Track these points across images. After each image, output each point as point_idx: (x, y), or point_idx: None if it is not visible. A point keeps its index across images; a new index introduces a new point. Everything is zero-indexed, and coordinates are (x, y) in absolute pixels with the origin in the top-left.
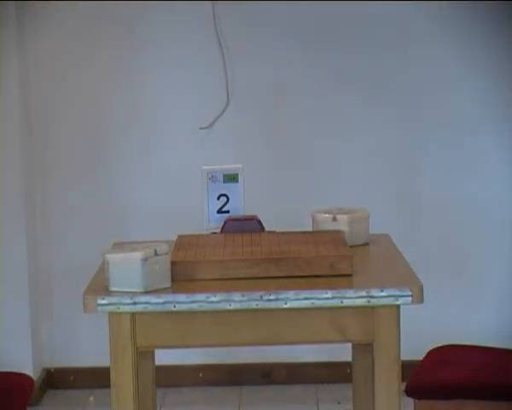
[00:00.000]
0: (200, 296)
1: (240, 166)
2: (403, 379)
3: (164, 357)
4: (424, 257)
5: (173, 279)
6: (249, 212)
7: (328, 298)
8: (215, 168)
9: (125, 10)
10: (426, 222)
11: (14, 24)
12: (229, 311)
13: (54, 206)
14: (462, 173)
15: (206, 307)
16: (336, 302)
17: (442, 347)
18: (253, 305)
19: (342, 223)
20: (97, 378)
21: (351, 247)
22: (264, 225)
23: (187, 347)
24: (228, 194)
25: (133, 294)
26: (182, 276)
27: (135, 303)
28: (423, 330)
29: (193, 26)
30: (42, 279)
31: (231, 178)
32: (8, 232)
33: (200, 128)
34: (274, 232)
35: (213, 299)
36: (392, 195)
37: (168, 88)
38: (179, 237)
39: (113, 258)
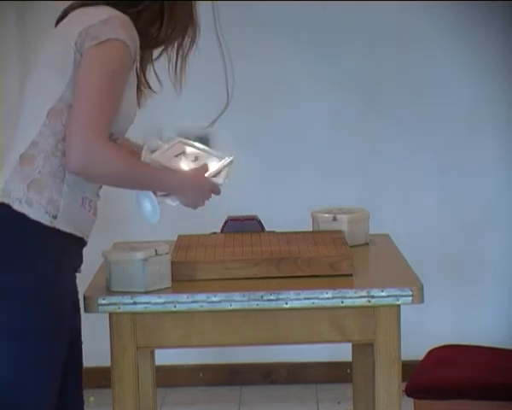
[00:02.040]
0: (201, 296)
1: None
2: (403, 379)
3: (164, 357)
4: (424, 257)
5: (174, 279)
6: (249, 212)
7: (328, 298)
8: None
9: None
10: (426, 222)
11: (14, 24)
12: (229, 311)
13: None
14: (462, 173)
15: (206, 307)
16: (337, 302)
17: (442, 347)
18: (254, 305)
19: (342, 223)
20: (97, 378)
21: (351, 247)
22: (264, 225)
23: (187, 347)
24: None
25: (134, 294)
26: (182, 276)
27: (135, 303)
28: (423, 330)
29: None
30: None
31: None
32: None
33: None
34: (274, 232)
35: (214, 299)
36: (392, 195)
37: (168, 88)
38: (179, 237)
39: (114, 258)
